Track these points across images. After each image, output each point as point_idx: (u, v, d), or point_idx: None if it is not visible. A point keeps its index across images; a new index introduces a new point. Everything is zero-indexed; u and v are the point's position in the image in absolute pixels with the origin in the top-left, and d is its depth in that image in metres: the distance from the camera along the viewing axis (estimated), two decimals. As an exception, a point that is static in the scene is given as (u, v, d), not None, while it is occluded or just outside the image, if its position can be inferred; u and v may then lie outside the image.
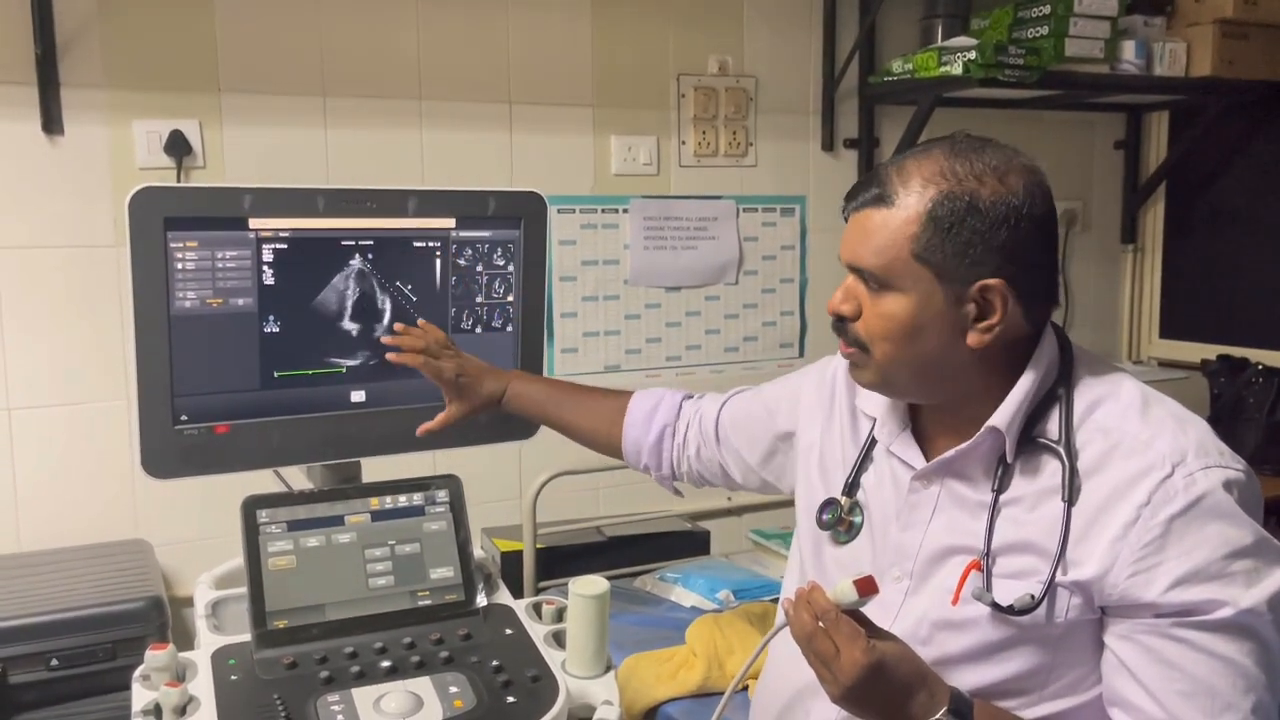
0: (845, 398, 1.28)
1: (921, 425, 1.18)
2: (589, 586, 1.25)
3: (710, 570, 2.34)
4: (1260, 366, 2.92)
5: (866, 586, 0.99)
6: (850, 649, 0.98)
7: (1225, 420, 2.91)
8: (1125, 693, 1.01)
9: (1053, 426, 1.08)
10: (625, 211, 2.70)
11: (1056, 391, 1.09)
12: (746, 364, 2.89)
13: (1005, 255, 1.03)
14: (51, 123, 2.17)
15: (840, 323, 1.11)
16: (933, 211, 1.03)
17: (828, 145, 2.90)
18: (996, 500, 1.07)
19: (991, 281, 1.03)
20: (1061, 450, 1.05)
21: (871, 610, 1.13)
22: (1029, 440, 1.08)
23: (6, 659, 1.86)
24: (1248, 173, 3.11)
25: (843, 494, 1.21)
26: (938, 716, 0.99)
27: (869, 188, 1.08)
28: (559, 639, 1.31)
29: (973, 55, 2.54)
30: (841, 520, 1.20)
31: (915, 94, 2.75)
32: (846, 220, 1.12)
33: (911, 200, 1.04)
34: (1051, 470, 1.06)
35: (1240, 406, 2.91)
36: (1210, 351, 3.10)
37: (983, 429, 1.07)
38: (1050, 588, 1.02)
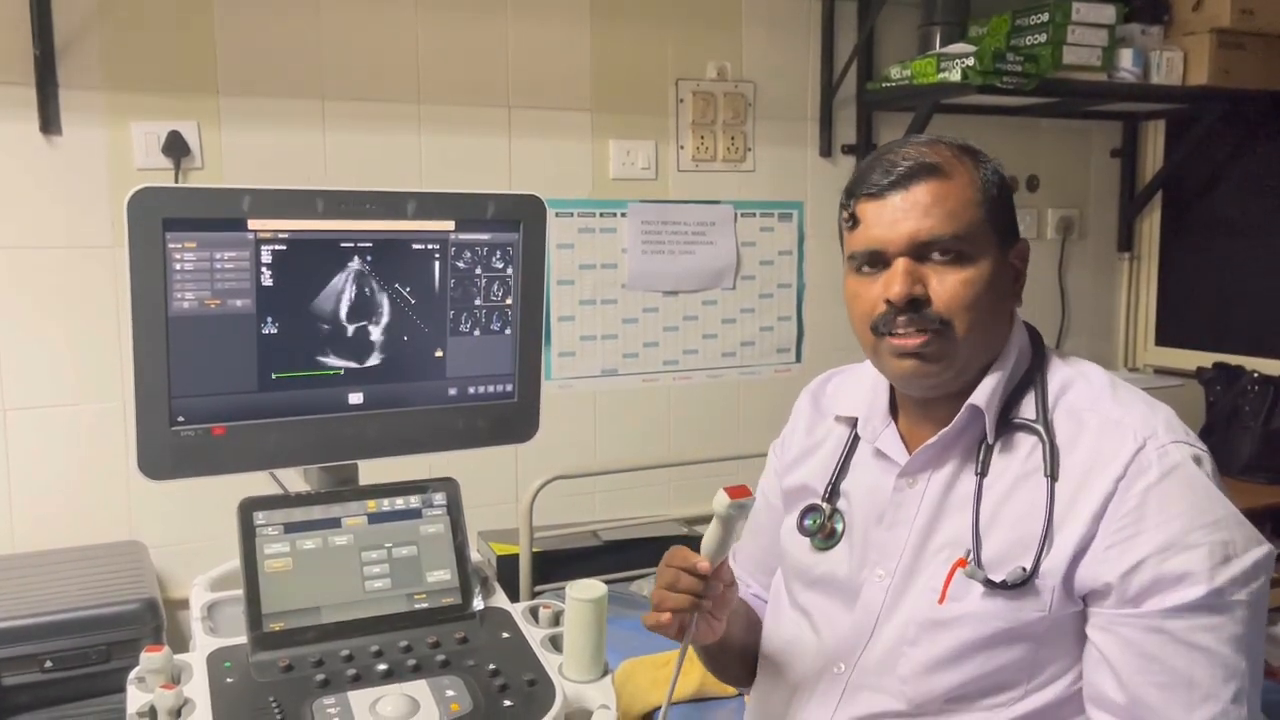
0: (813, 417, 1.29)
1: (900, 423, 1.19)
2: (586, 590, 1.24)
3: (706, 575, 2.34)
4: (1256, 375, 2.92)
5: (738, 492, 1.04)
6: None
7: (1220, 428, 2.91)
8: (1102, 687, 1.02)
9: (1029, 408, 1.10)
10: (623, 215, 2.70)
11: (1031, 375, 1.12)
12: (744, 369, 2.89)
13: (1014, 221, 1.13)
14: (49, 123, 2.17)
15: (912, 308, 1.06)
16: (985, 178, 1.09)
17: (826, 151, 2.90)
18: (980, 484, 1.09)
19: (1020, 243, 1.13)
20: (1040, 428, 1.08)
21: (857, 614, 1.14)
22: (1007, 423, 1.10)
23: (0, 661, 1.85)
24: (1244, 181, 3.12)
25: (824, 499, 1.21)
26: None
27: (915, 166, 1.07)
28: (556, 643, 1.30)
29: (971, 62, 2.55)
30: (823, 527, 1.20)
31: (913, 100, 2.76)
32: (854, 213, 1.10)
33: (963, 168, 1.08)
34: (1030, 449, 1.08)
35: (1236, 415, 2.91)
36: (1206, 359, 3.10)
37: (963, 409, 1.09)
38: (1039, 562, 1.03)
